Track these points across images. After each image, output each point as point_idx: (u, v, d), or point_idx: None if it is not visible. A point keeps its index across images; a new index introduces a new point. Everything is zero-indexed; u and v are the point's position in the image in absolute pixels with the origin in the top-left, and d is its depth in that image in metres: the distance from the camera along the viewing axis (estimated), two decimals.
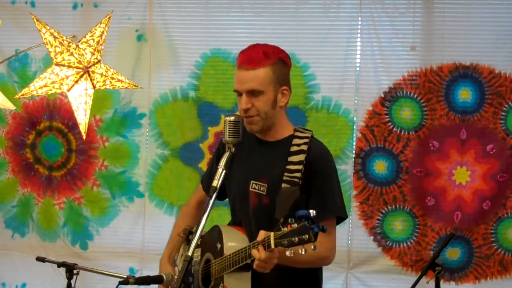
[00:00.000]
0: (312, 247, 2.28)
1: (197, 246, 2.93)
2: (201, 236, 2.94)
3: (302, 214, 2.30)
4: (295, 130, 2.84)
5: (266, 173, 2.79)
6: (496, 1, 4.31)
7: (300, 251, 2.30)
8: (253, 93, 2.73)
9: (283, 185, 2.71)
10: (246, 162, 2.83)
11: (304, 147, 2.75)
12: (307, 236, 2.27)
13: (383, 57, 4.37)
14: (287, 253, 2.32)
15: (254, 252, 2.46)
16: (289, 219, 2.34)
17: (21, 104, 4.75)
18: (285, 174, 2.72)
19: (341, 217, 2.83)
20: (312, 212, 2.31)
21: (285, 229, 2.33)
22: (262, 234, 2.46)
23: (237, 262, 2.63)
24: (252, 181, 2.81)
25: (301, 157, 2.74)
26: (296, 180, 2.71)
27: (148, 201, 4.64)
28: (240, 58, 2.77)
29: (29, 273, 4.79)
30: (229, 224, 2.97)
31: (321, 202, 2.74)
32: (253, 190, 2.81)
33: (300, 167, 2.72)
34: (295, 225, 2.30)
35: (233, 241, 2.76)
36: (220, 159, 2.77)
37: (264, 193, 2.78)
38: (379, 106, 4.36)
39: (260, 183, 2.79)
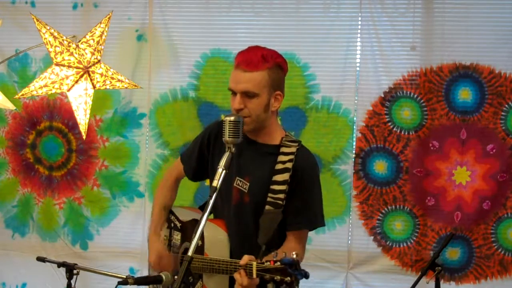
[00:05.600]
0: None
1: (176, 229, 3.00)
2: (181, 222, 3.03)
3: (287, 261, 2.37)
4: (283, 140, 2.86)
5: (250, 172, 2.83)
6: (496, 1, 4.30)
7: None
8: (247, 94, 2.76)
9: (267, 207, 2.75)
10: (233, 158, 2.85)
11: (289, 165, 2.79)
12: (289, 279, 2.36)
13: (383, 57, 4.37)
14: (269, 285, 2.41)
15: (237, 276, 2.53)
16: (273, 254, 2.42)
17: (21, 104, 4.76)
18: (269, 195, 2.76)
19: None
20: (295, 255, 2.39)
21: (268, 263, 2.41)
22: (245, 259, 2.51)
23: (217, 271, 2.68)
24: (237, 177, 2.85)
25: (286, 176, 2.77)
26: (279, 202, 2.75)
27: (148, 201, 4.64)
28: (239, 58, 2.79)
29: (29, 273, 4.79)
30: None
31: (300, 211, 2.80)
32: (237, 186, 2.85)
33: (283, 187, 2.76)
34: (278, 264, 2.38)
35: (214, 242, 2.81)
36: (203, 148, 2.92)
37: (246, 191, 2.82)
38: (379, 106, 4.36)
39: (244, 181, 2.83)
